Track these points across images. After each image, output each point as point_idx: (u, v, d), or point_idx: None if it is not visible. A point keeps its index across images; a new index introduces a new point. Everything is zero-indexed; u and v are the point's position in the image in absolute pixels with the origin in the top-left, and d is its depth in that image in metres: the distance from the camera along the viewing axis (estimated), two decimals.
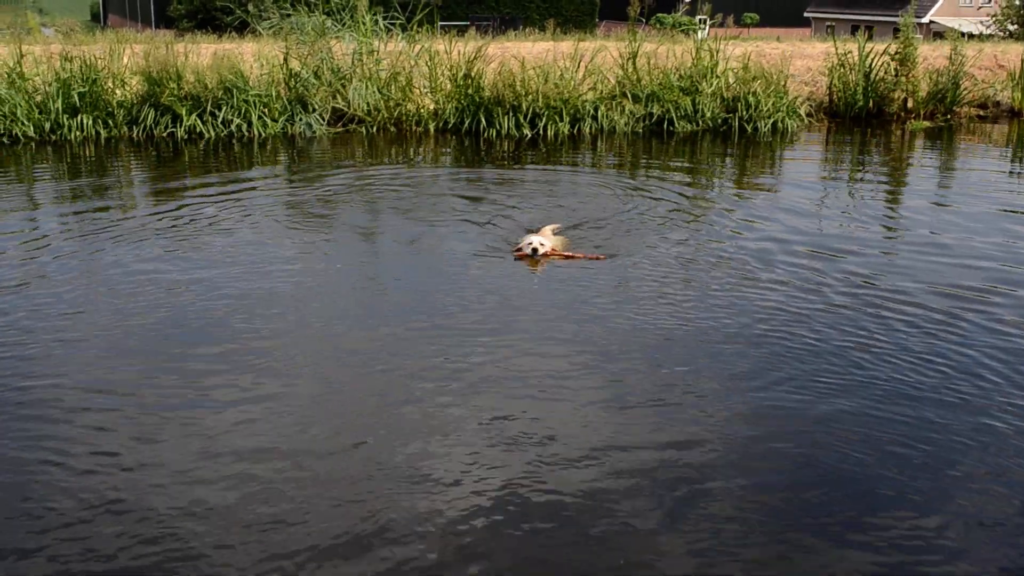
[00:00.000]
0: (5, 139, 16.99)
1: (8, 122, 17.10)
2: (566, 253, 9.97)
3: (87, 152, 16.51)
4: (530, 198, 13.28)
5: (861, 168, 16.12)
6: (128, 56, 18.50)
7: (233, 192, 13.69)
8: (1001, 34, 45.04)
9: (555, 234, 10.71)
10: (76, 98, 17.44)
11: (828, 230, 11.57)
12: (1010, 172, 16.19)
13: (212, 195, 13.43)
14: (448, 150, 17.05)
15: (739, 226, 11.69)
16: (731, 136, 18.34)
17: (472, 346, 7.81)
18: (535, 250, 9.74)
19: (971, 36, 31.60)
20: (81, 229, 11.60)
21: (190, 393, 7.01)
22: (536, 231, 10.54)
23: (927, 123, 20.05)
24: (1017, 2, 52.17)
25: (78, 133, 17.30)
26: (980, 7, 61.81)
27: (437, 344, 7.85)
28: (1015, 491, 5.82)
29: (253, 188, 14.10)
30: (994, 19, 50.63)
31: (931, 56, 21.83)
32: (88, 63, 17.67)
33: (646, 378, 7.28)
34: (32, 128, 17.19)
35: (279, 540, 5.30)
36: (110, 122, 17.61)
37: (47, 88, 17.59)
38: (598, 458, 6.11)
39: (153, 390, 7.06)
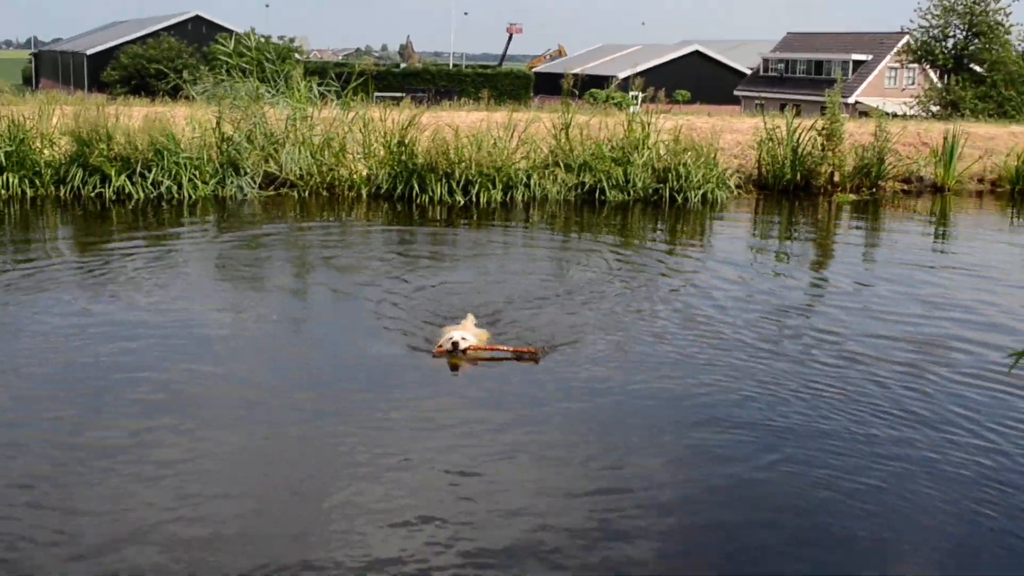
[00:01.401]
0: None
1: None
2: (491, 347, 9.02)
3: (12, 210, 16.23)
4: (458, 267, 13.27)
5: (790, 236, 16.41)
6: (58, 117, 18.34)
7: (160, 249, 13.56)
8: (924, 115, 46.29)
9: (476, 325, 9.63)
10: (2, 156, 17.20)
11: (759, 293, 11.67)
12: (933, 241, 16.59)
13: (139, 251, 13.28)
14: (380, 214, 17.01)
15: (673, 294, 11.74)
16: (662, 206, 18.53)
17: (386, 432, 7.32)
18: (455, 344, 8.73)
19: (895, 115, 32.41)
20: (5, 281, 11.34)
21: (109, 443, 6.82)
22: (457, 324, 9.42)
23: (853, 196, 20.46)
24: (939, 85, 53.79)
25: (3, 191, 17.04)
26: (904, 88, 63.64)
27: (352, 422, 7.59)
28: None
29: (181, 246, 13.98)
30: (917, 100, 52.10)
31: (857, 132, 22.32)
32: (16, 122, 17.48)
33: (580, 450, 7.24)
34: None
35: None
36: (37, 181, 17.39)
37: None
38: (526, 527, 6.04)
39: (71, 439, 6.87)
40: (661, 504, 6.24)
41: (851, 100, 62.60)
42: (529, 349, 8.93)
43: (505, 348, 9.00)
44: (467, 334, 8.90)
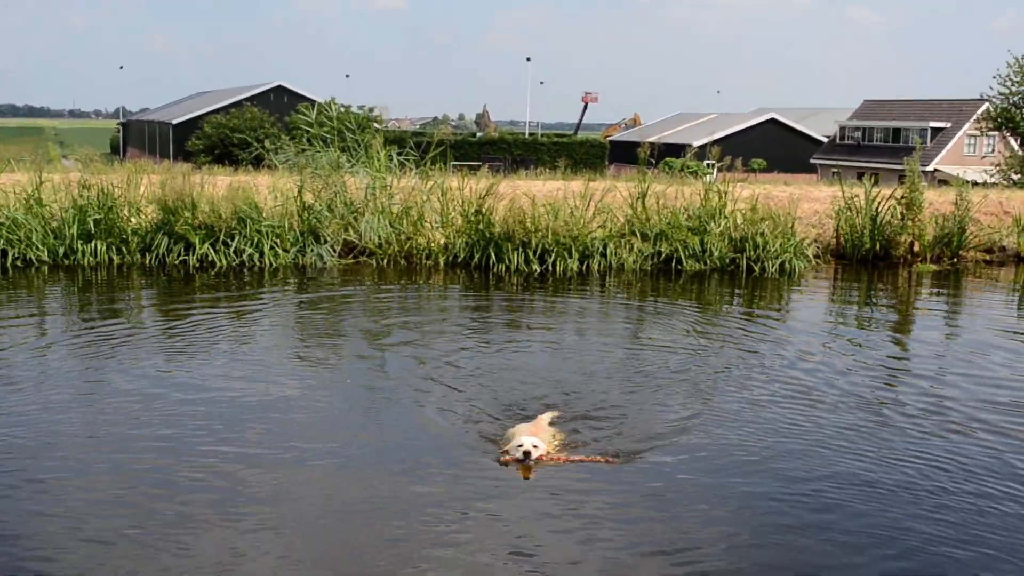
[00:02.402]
0: (19, 262, 17.16)
1: (23, 246, 17.31)
2: (565, 457, 8.17)
3: (99, 277, 16.65)
4: (535, 342, 13.31)
5: (871, 306, 16.20)
6: (145, 185, 18.84)
7: (242, 316, 13.80)
8: (1005, 183, 45.62)
9: (551, 423, 8.98)
10: (91, 224, 17.70)
11: (847, 366, 11.51)
12: (1018, 311, 16.29)
13: (221, 318, 13.57)
14: (457, 283, 17.14)
15: (762, 369, 11.52)
16: (738, 275, 18.44)
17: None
18: (527, 455, 7.92)
19: (975, 184, 32.03)
20: (89, 344, 11.63)
21: (185, 508, 6.93)
22: (531, 422, 8.84)
23: (934, 266, 20.19)
24: (1020, 152, 53.01)
25: (91, 259, 17.51)
26: (984, 156, 62.83)
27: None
28: None
29: (262, 313, 14.22)
30: (998, 168, 51.38)
31: (937, 201, 22.08)
32: (105, 191, 17.99)
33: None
34: (46, 252, 17.41)
35: None
36: (123, 248, 17.85)
37: (63, 214, 17.87)
38: None
39: (151, 505, 6.98)
40: None
41: (930, 168, 61.98)
42: (607, 459, 8.13)
43: (580, 459, 8.15)
44: (538, 441, 8.08)
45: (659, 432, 9.02)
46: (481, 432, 8.89)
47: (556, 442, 8.50)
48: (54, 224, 17.89)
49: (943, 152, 67.28)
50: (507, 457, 8.03)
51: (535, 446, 7.99)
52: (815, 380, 10.79)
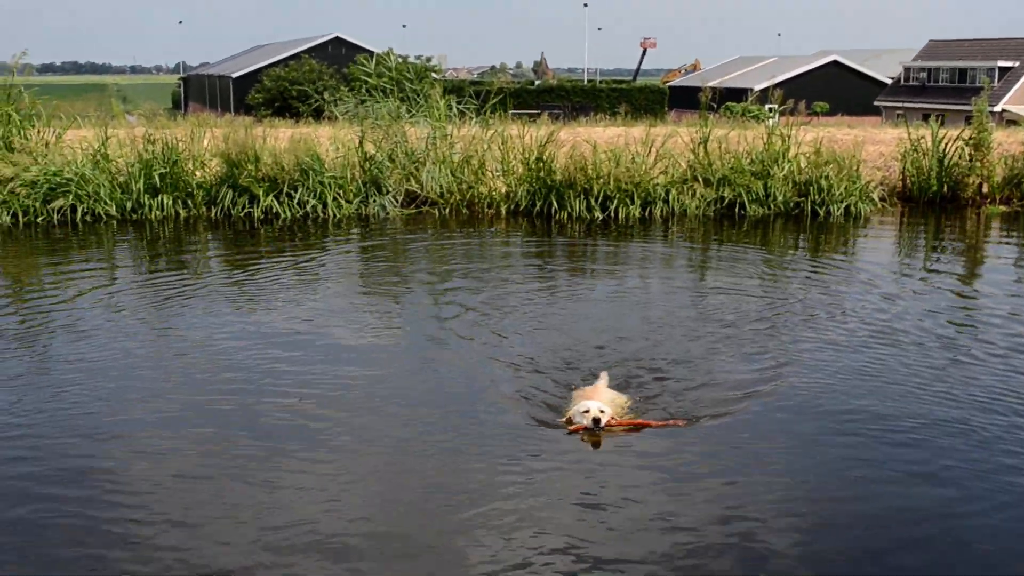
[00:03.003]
0: (88, 217, 17.43)
1: (92, 201, 17.56)
2: (635, 421, 7.80)
3: (166, 230, 16.87)
4: (599, 292, 13.34)
5: (939, 251, 15.96)
6: (208, 139, 18.99)
7: (306, 266, 13.94)
8: None
9: (609, 386, 8.49)
10: (157, 179, 17.90)
11: (915, 306, 11.40)
12: None
13: (286, 268, 13.72)
14: (520, 231, 17.14)
15: (832, 318, 11.50)
16: (803, 220, 18.25)
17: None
18: (596, 421, 7.48)
19: None
20: (160, 295, 11.84)
21: (252, 455, 7.06)
22: (591, 390, 8.27)
23: (1003, 207, 19.84)
24: None
25: (158, 212, 17.73)
26: None
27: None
28: None
29: (326, 263, 14.36)
30: None
31: (1006, 142, 21.65)
32: (169, 145, 18.16)
33: None
34: (114, 207, 17.65)
35: None
36: (189, 202, 18.05)
37: (130, 169, 18.07)
38: None
39: (216, 454, 7.13)
40: None
41: (998, 108, 60.63)
42: (676, 422, 7.74)
43: (651, 423, 7.75)
44: (605, 406, 7.63)
45: (733, 385, 8.74)
46: (543, 388, 8.64)
47: (622, 405, 8.11)
48: (121, 179, 18.10)
49: (1011, 91, 65.75)
50: (574, 425, 7.57)
51: (602, 411, 7.53)
52: (894, 323, 10.72)
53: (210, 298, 12.01)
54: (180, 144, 18.39)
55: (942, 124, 21.29)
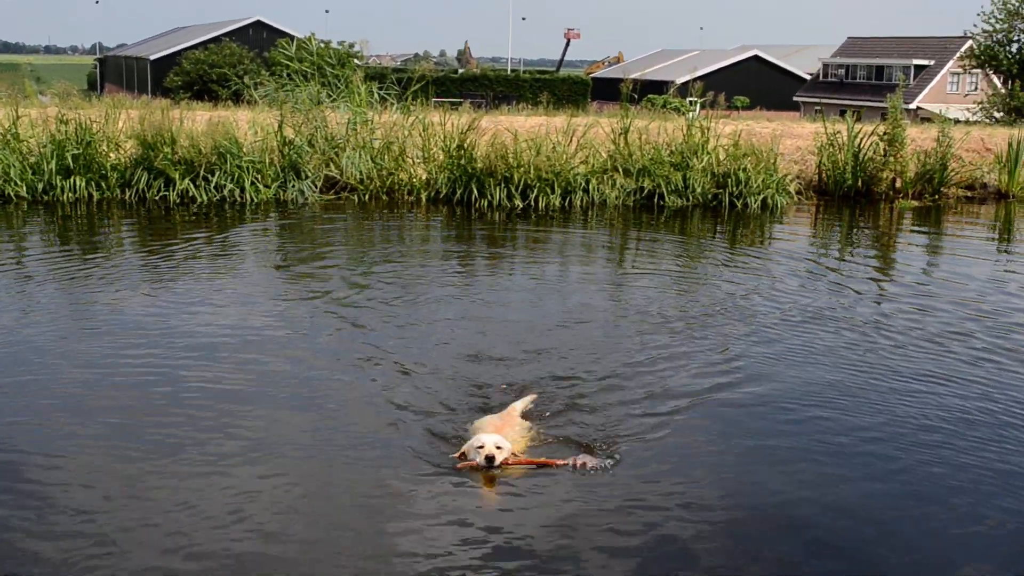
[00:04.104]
0: None
1: (1, 182, 17.14)
2: (533, 460, 6.71)
3: (79, 212, 16.53)
4: (515, 289, 13.32)
5: (851, 242, 16.25)
6: (124, 121, 18.64)
7: (221, 251, 13.76)
8: (987, 120, 45.59)
9: (523, 414, 7.55)
10: (70, 160, 17.52)
11: (827, 305, 11.58)
12: (998, 246, 16.39)
13: (200, 253, 13.52)
14: (439, 218, 17.08)
15: (746, 317, 11.69)
16: (721, 211, 18.44)
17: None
18: (490, 460, 6.47)
19: (958, 121, 31.98)
20: (68, 280, 11.57)
21: (165, 442, 6.93)
22: (498, 414, 7.37)
23: (915, 203, 20.24)
24: (1003, 90, 52.94)
25: (71, 194, 17.37)
26: (967, 95, 62.74)
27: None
28: None
29: (241, 248, 14.16)
30: (980, 106, 51.31)
31: (919, 138, 22.08)
32: (83, 126, 17.79)
33: None
34: (25, 188, 17.26)
35: None
36: (103, 184, 17.70)
37: (41, 149, 17.68)
38: None
39: (126, 440, 6.99)
40: None
41: (912, 106, 61.89)
42: (584, 463, 6.61)
43: (555, 461, 6.67)
44: (503, 440, 6.62)
45: (653, 397, 8.10)
46: (442, 405, 7.84)
47: (528, 438, 7.11)
48: (32, 160, 17.70)
49: (926, 90, 67.15)
50: (465, 463, 6.59)
51: (499, 447, 6.54)
52: (810, 313, 10.86)
53: (121, 282, 11.76)
54: (94, 125, 18.03)
55: (859, 120, 21.67)
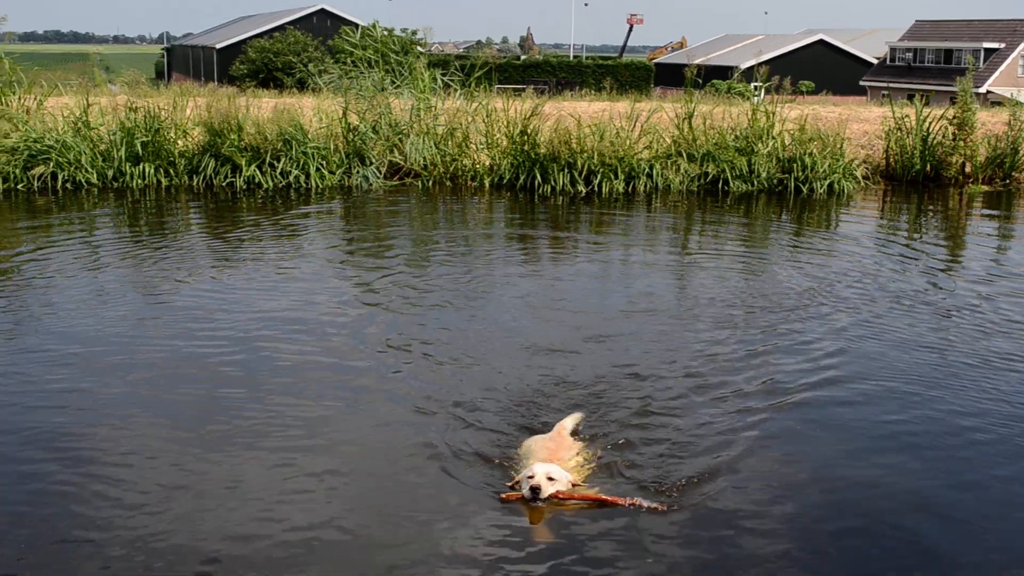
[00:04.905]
0: (69, 185, 17.31)
1: (72, 169, 17.44)
2: (595, 496, 5.89)
3: (148, 199, 16.76)
4: (578, 274, 13.29)
5: (920, 227, 16.00)
6: (191, 108, 18.88)
7: (287, 235, 13.87)
8: None
9: (574, 433, 6.82)
10: (139, 147, 17.79)
11: (896, 289, 11.43)
12: None
13: (267, 237, 13.63)
14: (502, 203, 17.10)
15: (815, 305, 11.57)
16: (786, 197, 18.26)
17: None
18: (535, 491, 5.76)
19: None
20: (138, 263, 11.76)
21: (228, 425, 7.03)
22: (547, 441, 6.53)
23: (986, 187, 19.90)
24: None
25: (140, 181, 17.64)
26: None
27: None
28: None
29: (307, 232, 14.27)
30: None
31: (989, 122, 21.71)
32: (152, 114, 18.05)
33: None
34: (95, 175, 17.54)
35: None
36: (171, 171, 17.96)
37: (111, 137, 17.96)
38: None
39: (196, 422, 7.09)
40: None
41: (982, 90, 60.72)
42: (652, 506, 5.80)
43: (617, 500, 5.84)
44: (557, 471, 5.86)
45: (729, 422, 7.19)
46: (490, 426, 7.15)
47: (582, 462, 6.36)
48: (102, 147, 18.00)
49: (996, 73, 65.82)
50: (511, 494, 5.89)
51: (551, 478, 5.81)
52: (889, 302, 10.73)
53: (189, 265, 11.94)
54: (162, 113, 18.28)
55: (927, 104, 21.32)
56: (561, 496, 5.77)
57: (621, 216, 16.26)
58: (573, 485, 5.87)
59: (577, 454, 6.40)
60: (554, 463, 5.99)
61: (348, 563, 5.36)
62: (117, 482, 6.16)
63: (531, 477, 5.77)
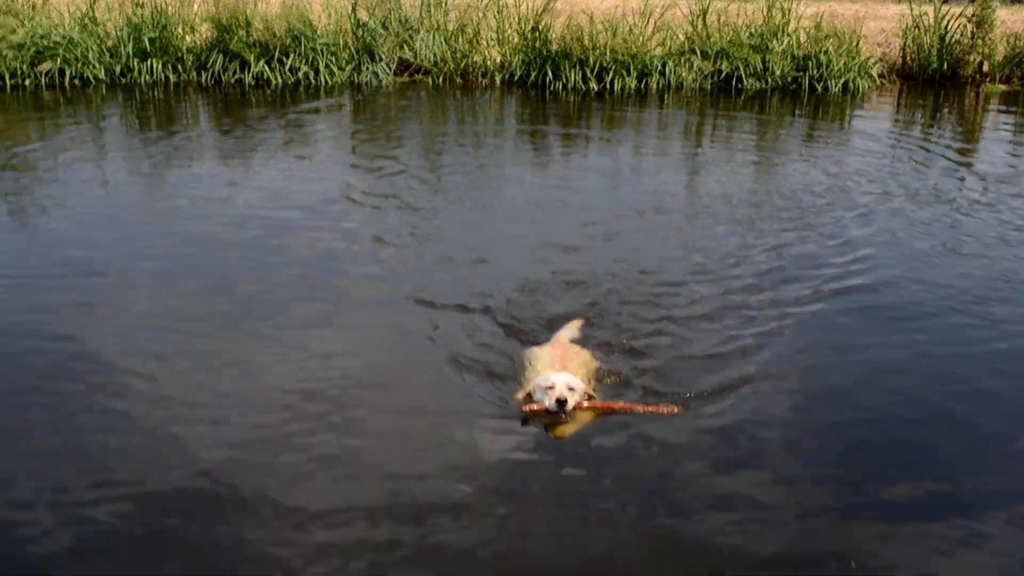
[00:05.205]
0: (77, 81, 17.17)
1: (80, 65, 17.28)
2: (614, 404, 5.67)
3: (156, 95, 16.62)
4: (588, 168, 13.17)
5: (935, 128, 15.82)
6: (198, 4, 18.62)
7: (297, 130, 13.77)
8: None
9: (576, 340, 6.50)
10: (146, 43, 17.58)
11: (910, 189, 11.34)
12: None
13: (277, 132, 13.54)
14: (513, 100, 16.94)
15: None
16: (800, 95, 18.04)
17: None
18: (562, 403, 5.45)
19: None
20: (146, 159, 11.72)
21: (236, 321, 7.04)
22: (550, 348, 6.22)
23: (1003, 86, 19.62)
24: None
25: (147, 77, 17.47)
26: None
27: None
28: None
29: (317, 128, 14.17)
30: None
31: (1009, 20, 21.33)
32: (159, 9, 17.81)
33: None
34: (103, 71, 17.38)
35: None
36: (179, 67, 17.77)
37: (118, 33, 17.75)
38: None
39: (204, 321, 7.11)
40: None
41: None
42: (671, 409, 5.62)
43: (636, 407, 5.65)
44: (575, 381, 5.57)
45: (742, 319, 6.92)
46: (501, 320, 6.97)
47: (590, 368, 6.11)
48: (109, 43, 17.79)
49: None
50: (531, 405, 5.56)
51: (571, 388, 5.52)
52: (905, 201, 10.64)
53: (199, 160, 11.90)
54: (169, 8, 18.03)
55: (945, 2, 20.93)
56: (581, 407, 5.54)
57: (633, 113, 16.09)
58: (587, 396, 5.64)
59: (584, 363, 6.10)
60: (565, 372, 5.70)
61: (358, 469, 5.20)
62: (123, 370, 6.19)
63: (550, 388, 5.46)
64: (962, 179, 11.74)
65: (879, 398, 5.88)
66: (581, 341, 6.47)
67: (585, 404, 5.54)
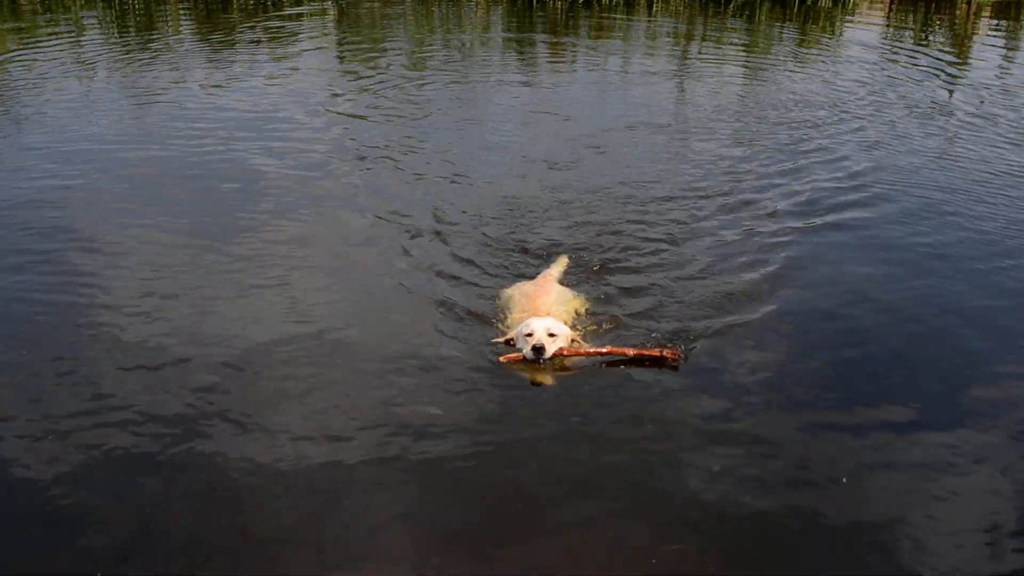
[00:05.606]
0: None
1: None
2: (599, 349, 5.08)
3: (136, 1, 16.30)
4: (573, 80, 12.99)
5: (927, 35, 15.66)
6: None
7: (279, 39, 13.55)
8: None
9: (562, 278, 5.94)
10: None
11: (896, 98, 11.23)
12: None
13: (259, 40, 13.32)
14: (500, 8, 16.68)
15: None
16: (790, 4, 17.82)
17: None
18: (538, 351, 4.95)
19: None
20: (127, 67, 11.52)
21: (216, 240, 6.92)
22: (534, 289, 5.67)
23: None
24: None
25: None
26: None
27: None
28: None
29: (300, 37, 13.94)
30: None
31: None
32: None
33: None
34: None
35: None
36: None
37: None
38: None
39: (183, 237, 6.98)
40: None
41: None
42: (665, 353, 5.01)
43: (626, 351, 5.07)
44: (556, 325, 5.10)
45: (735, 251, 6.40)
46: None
47: (577, 309, 5.62)
48: None
49: None
50: (510, 356, 5.05)
51: (551, 334, 5.06)
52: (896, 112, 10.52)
53: (180, 69, 11.67)
54: None
55: None
56: (564, 354, 5.04)
57: (621, 21, 15.87)
58: (573, 341, 5.16)
59: (567, 303, 5.59)
60: (548, 316, 5.25)
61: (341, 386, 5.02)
62: (110, 286, 6.08)
63: (529, 335, 5.03)
64: (958, 92, 11.59)
65: (874, 318, 5.78)
66: (569, 276, 6.03)
67: (567, 351, 5.07)
